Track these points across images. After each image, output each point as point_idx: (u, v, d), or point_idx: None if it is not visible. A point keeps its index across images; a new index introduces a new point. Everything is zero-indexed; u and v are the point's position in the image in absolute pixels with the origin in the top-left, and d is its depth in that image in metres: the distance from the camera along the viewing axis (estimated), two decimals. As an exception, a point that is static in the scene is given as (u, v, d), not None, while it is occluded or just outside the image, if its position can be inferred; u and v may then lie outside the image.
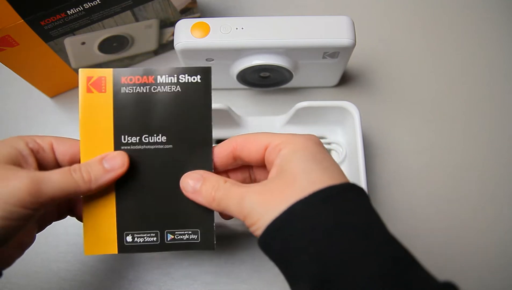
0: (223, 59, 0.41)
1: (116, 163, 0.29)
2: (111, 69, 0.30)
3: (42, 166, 0.29)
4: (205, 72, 0.30)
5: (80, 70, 0.30)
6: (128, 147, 0.30)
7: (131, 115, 0.30)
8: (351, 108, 0.41)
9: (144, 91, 0.30)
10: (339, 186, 0.26)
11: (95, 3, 0.38)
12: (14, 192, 0.25)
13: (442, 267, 0.43)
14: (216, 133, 0.44)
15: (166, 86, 0.30)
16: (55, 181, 0.27)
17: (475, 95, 0.49)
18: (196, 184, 0.29)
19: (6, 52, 0.39)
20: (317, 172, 0.26)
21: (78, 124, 0.30)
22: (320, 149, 0.28)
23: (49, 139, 0.30)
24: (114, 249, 0.31)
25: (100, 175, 0.28)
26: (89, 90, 0.30)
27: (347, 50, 0.40)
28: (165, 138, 0.30)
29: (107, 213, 0.30)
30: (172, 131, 0.30)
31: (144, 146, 0.30)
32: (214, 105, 0.41)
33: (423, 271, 0.24)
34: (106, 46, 0.44)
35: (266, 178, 0.28)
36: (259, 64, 0.40)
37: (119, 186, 0.30)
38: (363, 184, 0.38)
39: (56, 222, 0.34)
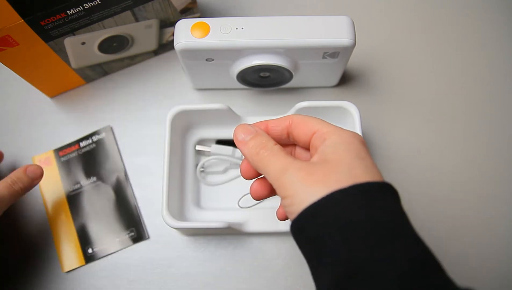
0: (223, 59, 0.41)
1: (37, 172, 0.41)
2: (52, 151, 0.47)
3: None
4: (107, 131, 0.47)
5: (32, 158, 0.47)
6: (74, 193, 0.46)
7: (71, 172, 0.46)
8: (351, 108, 0.41)
9: (74, 155, 0.47)
10: (378, 184, 0.26)
11: (95, 3, 0.38)
12: None
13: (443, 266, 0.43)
14: (216, 133, 0.44)
15: (86, 147, 0.47)
16: (6, 197, 0.38)
17: (475, 95, 0.49)
18: (246, 136, 0.30)
19: (6, 52, 0.39)
20: (359, 167, 0.26)
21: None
22: (363, 147, 0.28)
23: None
24: (82, 262, 0.43)
25: (29, 183, 0.40)
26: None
27: (347, 50, 0.40)
28: (95, 178, 0.46)
29: (71, 240, 0.44)
30: (98, 172, 0.46)
31: (84, 188, 0.46)
32: (214, 105, 0.41)
33: (446, 276, 0.25)
34: (106, 46, 0.44)
35: (307, 160, 0.29)
36: (259, 64, 0.40)
37: (74, 215, 0.45)
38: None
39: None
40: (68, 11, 0.37)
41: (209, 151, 0.44)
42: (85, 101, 0.49)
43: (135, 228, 0.44)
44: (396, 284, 0.22)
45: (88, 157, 0.46)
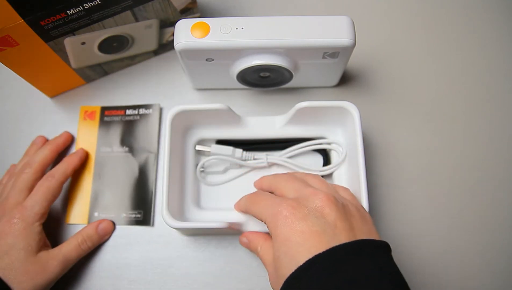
0: (223, 59, 0.41)
1: (108, 230, 0.43)
2: (99, 107, 0.48)
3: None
4: (155, 107, 0.47)
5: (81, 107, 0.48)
6: (105, 155, 0.46)
7: (109, 133, 0.47)
8: (351, 108, 0.41)
9: (118, 119, 0.48)
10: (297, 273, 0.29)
11: (95, 3, 0.38)
12: (52, 279, 0.39)
13: (442, 267, 0.43)
14: (216, 133, 0.44)
15: (131, 116, 0.48)
16: (73, 259, 0.41)
17: (475, 95, 0.49)
18: (248, 245, 0.39)
19: (6, 52, 0.38)
20: (283, 265, 0.30)
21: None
22: (292, 221, 0.31)
23: (46, 205, 0.40)
24: (85, 221, 0.44)
25: (97, 241, 0.43)
26: (85, 118, 0.48)
27: (347, 50, 0.40)
28: (127, 149, 0.46)
29: (83, 197, 0.45)
30: (132, 144, 0.46)
31: (114, 153, 0.46)
32: (214, 105, 0.41)
33: None
34: (106, 46, 0.44)
35: None
36: (259, 64, 0.40)
37: (96, 178, 0.45)
38: (363, 184, 0.38)
39: (56, 223, 0.42)
40: (68, 11, 0.37)
41: (209, 151, 0.44)
42: (85, 101, 0.49)
43: (143, 211, 0.44)
44: None
45: (129, 126, 0.47)
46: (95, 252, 0.43)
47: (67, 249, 0.40)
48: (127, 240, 0.44)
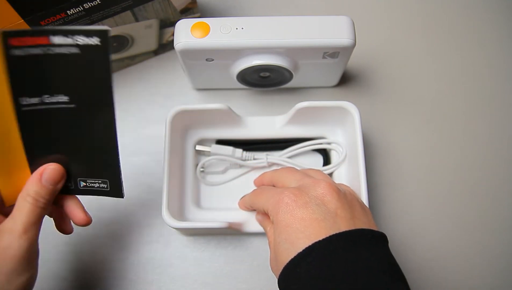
0: (223, 59, 0.41)
1: (55, 178, 0.32)
2: None
3: None
4: (103, 34, 0.28)
5: None
6: (30, 108, 0.30)
7: (28, 77, 0.29)
8: (351, 108, 0.41)
9: (39, 52, 0.28)
10: (311, 248, 0.29)
11: (95, 3, 0.38)
12: (25, 260, 0.30)
13: (442, 266, 0.43)
14: (216, 133, 0.44)
15: (63, 48, 0.28)
16: (36, 222, 0.31)
17: (475, 95, 0.49)
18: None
19: (6, 52, 0.38)
20: (283, 253, 0.30)
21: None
22: (293, 208, 0.31)
23: None
24: None
25: (48, 193, 0.32)
26: None
27: (347, 50, 0.40)
28: (67, 98, 0.30)
29: (21, 170, 0.32)
30: (74, 92, 0.30)
31: (46, 106, 0.30)
32: (214, 105, 0.41)
33: None
34: (106, 46, 0.44)
35: None
36: (259, 64, 0.40)
37: (29, 145, 0.32)
38: (363, 184, 0.38)
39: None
40: (68, 11, 0.37)
41: (209, 151, 0.44)
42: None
43: (108, 180, 0.34)
44: None
45: (60, 64, 0.29)
46: (95, 252, 0.43)
47: (22, 217, 0.30)
48: (126, 240, 0.44)
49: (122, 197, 0.34)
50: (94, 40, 0.28)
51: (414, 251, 0.43)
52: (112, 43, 0.44)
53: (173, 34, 0.42)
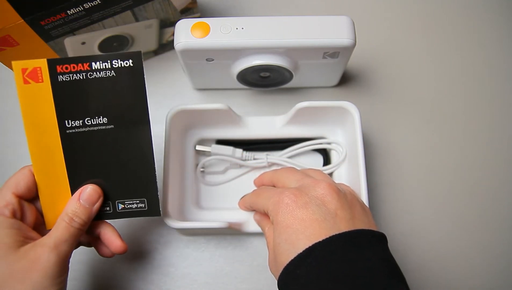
0: (223, 59, 0.41)
1: (92, 198, 0.33)
2: (45, 60, 0.31)
3: (24, 216, 0.33)
4: (136, 56, 0.32)
5: (13, 62, 0.31)
6: (73, 131, 0.33)
7: (71, 101, 0.32)
8: (351, 108, 0.41)
9: (81, 77, 0.32)
10: (312, 248, 0.29)
11: (95, 3, 0.38)
12: (52, 273, 0.30)
13: (442, 266, 0.43)
14: (216, 133, 0.44)
15: (101, 72, 0.32)
16: (68, 240, 0.32)
17: (475, 95, 0.49)
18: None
19: (6, 52, 0.39)
20: (285, 251, 0.30)
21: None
22: (293, 208, 0.31)
23: (9, 195, 0.32)
24: None
25: (85, 213, 0.33)
26: (26, 82, 0.32)
27: (347, 50, 0.40)
28: (106, 120, 0.33)
29: (62, 191, 0.34)
30: (112, 113, 0.33)
31: (88, 128, 0.33)
32: (214, 105, 0.41)
33: None
34: (106, 46, 0.44)
35: None
36: (259, 64, 0.40)
37: (71, 167, 0.33)
38: (363, 184, 0.38)
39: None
40: (68, 11, 0.37)
41: (209, 151, 0.44)
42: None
43: (146, 199, 0.35)
44: None
45: (100, 87, 0.33)
46: (94, 252, 0.43)
47: (57, 233, 0.32)
48: (125, 240, 0.44)
49: (160, 215, 0.35)
50: (128, 62, 0.32)
51: (414, 251, 0.43)
52: (112, 43, 0.44)
53: (173, 34, 0.42)
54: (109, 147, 0.33)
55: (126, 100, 0.33)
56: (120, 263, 0.43)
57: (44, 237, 0.32)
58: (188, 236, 0.44)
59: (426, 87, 0.49)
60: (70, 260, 0.33)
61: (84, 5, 0.38)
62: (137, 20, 0.43)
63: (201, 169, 0.44)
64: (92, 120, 0.33)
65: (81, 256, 0.43)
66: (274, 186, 0.38)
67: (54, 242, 0.31)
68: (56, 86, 0.32)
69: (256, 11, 0.52)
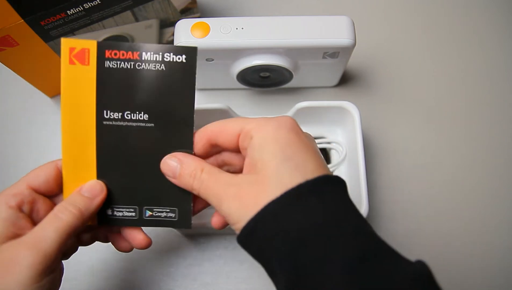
0: (223, 59, 0.41)
1: (94, 190, 0.30)
2: (95, 41, 0.29)
3: (33, 210, 0.29)
4: (191, 52, 0.29)
5: (62, 39, 0.28)
6: (110, 123, 0.30)
7: (114, 90, 0.29)
8: (351, 108, 0.41)
9: (129, 66, 0.29)
10: (311, 182, 0.26)
11: (95, 3, 0.38)
12: (20, 280, 0.25)
13: (443, 266, 0.43)
14: (216, 133, 0.44)
15: (150, 64, 0.29)
16: (52, 236, 0.27)
17: (475, 94, 0.49)
18: (175, 171, 0.29)
19: (6, 52, 0.39)
20: (287, 171, 0.26)
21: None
22: (292, 137, 0.27)
23: (23, 186, 0.29)
24: (94, 221, 0.31)
25: (84, 204, 0.29)
26: (71, 62, 0.29)
27: (347, 50, 0.40)
28: (147, 116, 0.30)
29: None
30: (154, 110, 0.30)
31: (126, 123, 0.30)
32: (214, 105, 0.41)
33: (391, 262, 0.24)
34: (106, 46, 0.44)
35: (242, 163, 0.29)
36: (259, 64, 0.40)
37: (101, 162, 0.30)
38: (363, 184, 0.38)
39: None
40: (68, 11, 0.38)
41: (209, 151, 0.44)
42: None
43: (178, 209, 0.31)
44: (335, 286, 0.23)
45: (147, 80, 0.29)
46: (95, 252, 0.43)
47: (38, 229, 0.27)
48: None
49: (190, 228, 0.32)
50: (181, 58, 0.29)
51: (414, 251, 0.43)
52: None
53: (173, 34, 0.42)
54: (146, 146, 0.30)
55: (172, 99, 0.29)
56: (120, 263, 0.43)
57: (27, 233, 0.27)
58: (188, 236, 0.44)
59: (426, 87, 0.49)
60: (70, 260, 0.32)
61: (84, 5, 0.38)
62: (137, 20, 0.43)
63: (201, 169, 0.44)
64: (132, 114, 0.29)
65: (81, 256, 0.43)
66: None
67: (33, 240, 0.26)
68: (101, 72, 0.29)
69: (256, 11, 0.52)
